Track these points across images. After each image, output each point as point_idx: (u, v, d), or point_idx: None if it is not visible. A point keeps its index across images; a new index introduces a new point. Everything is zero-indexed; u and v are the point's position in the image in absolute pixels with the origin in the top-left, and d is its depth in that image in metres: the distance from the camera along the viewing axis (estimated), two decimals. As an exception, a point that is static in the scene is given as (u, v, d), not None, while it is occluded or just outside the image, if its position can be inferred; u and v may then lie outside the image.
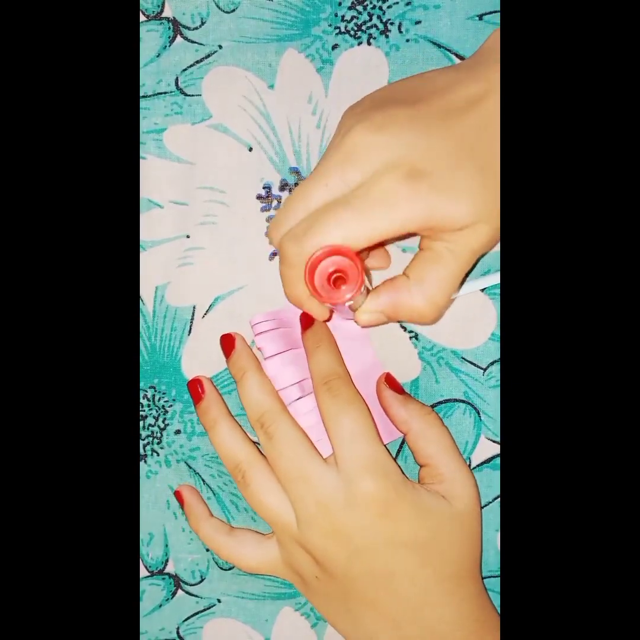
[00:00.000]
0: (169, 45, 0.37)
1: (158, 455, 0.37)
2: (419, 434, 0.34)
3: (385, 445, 0.33)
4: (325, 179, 0.30)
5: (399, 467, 0.33)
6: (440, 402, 0.36)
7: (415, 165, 0.28)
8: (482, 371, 0.36)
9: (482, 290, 0.36)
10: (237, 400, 0.37)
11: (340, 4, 0.36)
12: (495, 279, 0.35)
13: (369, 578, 0.33)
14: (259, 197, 0.36)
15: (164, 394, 0.37)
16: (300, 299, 0.32)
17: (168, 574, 0.38)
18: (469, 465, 0.36)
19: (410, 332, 0.36)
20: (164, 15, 0.37)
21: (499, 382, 0.36)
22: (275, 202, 0.36)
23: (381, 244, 0.35)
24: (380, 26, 0.36)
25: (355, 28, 0.36)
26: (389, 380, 0.35)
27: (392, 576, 0.32)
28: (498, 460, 0.36)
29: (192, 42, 0.37)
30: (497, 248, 0.35)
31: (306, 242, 0.29)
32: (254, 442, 0.35)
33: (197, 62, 0.37)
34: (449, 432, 0.35)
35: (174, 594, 0.38)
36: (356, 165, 0.29)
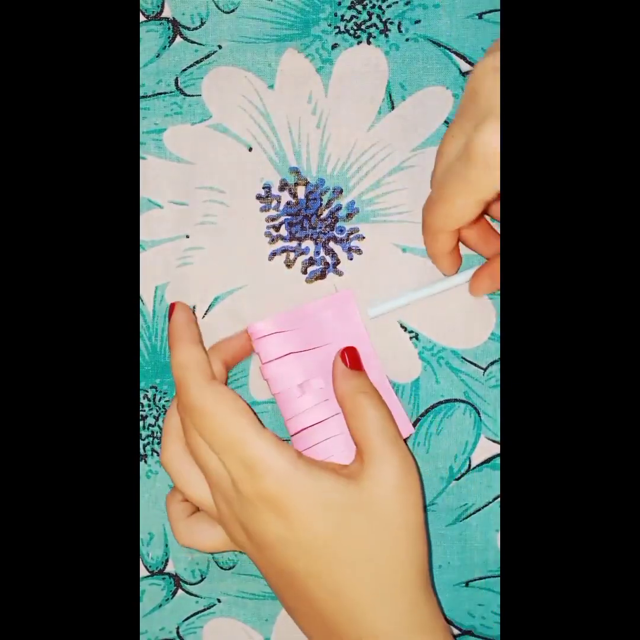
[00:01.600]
0: (169, 46, 0.37)
1: (158, 455, 0.37)
2: (351, 412, 0.33)
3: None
4: (451, 132, 0.31)
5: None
6: (440, 402, 0.36)
7: None
8: (482, 371, 0.36)
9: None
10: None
11: (339, 3, 0.36)
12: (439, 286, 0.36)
13: (288, 577, 0.31)
14: (259, 197, 0.36)
15: (164, 393, 0.37)
16: (441, 230, 0.33)
17: (168, 573, 0.38)
18: (469, 466, 0.36)
19: (411, 332, 0.36)
20: (163, 15, 0.37)
21: (499, 382, 0.36)
22: (274, 202, 0.36)
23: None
24: (380, 25, 0.36)
25: (355, 27, 0.36)
26: (349, 353, 0.35)
27: (305, 579, 0.31)
28: (498, 460, 0.36)
29: (192, 42, 0.37)
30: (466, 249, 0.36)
31: (427, 210, 0.32)
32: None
33: (197, 62, 0.37)
34: (387, 413, 0.33)
35: (174, 593, 0.38)
36: (472, 107, 0.29)
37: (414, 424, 0.36)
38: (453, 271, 0.35)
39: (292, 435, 0.34)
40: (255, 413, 0.33)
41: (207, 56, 0.37)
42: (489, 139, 0.27)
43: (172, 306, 0.35)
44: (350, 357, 0.34)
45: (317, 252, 0.36)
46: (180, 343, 0.33)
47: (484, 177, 0.28)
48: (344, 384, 0.34)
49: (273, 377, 0.34)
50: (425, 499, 0.36)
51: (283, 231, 0.36)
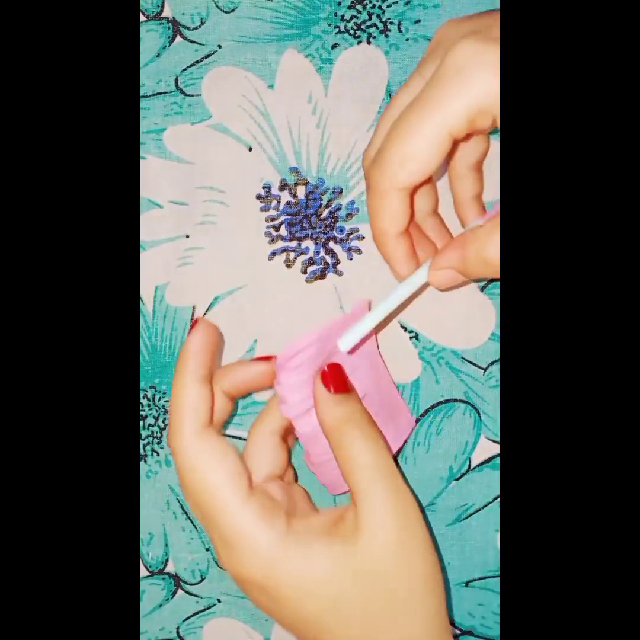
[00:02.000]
0: (169, 45, 0.37)
1: (158, 455, 0.37)
2: (337, 445, 0.29)
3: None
4: (406, 83, 0.28)
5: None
6: (440, 402, 0.36)
7: (491, 33, 0.26)
8: (482, 371, 0.36)
9: (482, 288, 0.36)
10: (237, 401, 0.37)
11: (339, 3, 0.36)
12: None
13: (300, 627, 0.29)
14: (259, 197, 0.36)
15: (164, 393, 0.37)
16: (385, 234, 0.30)
17: (168, 573, 0.38)
18: (469, 466, 0.36)
19: (411, 332, 0.36)
20: (163, 15, 0.37)
21: (499, 382, 0.36)
22: (274, 202, 0.36)
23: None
24: (380, 25, 0.36)
25: (355, 27, 0.36)
26: (332, 374, 0.30)
27: (318, 634, 0.29)
28: (498, 460, 0.36)
29: (192, 42, 0.37)
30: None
31: (384, 161, 0.27)
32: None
33: (197, 62, 0.37)
34: (376, 441, 0.29)
35: (174, 593, 0.38)
36: (433, 55, 0.28)
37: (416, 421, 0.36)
38: (408, 267, 0.31)
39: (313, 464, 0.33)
40: (248, 471, 0.30)
41: (207, 56, 0.37)
42: (461, 51, 0.26)
43: (192, 324, 0.31)
44: (334, 379, 0.30)
45: (317, 252, 0.36)
46: (182, 377, 0.30)
47: (457, 92, 0.26)
48: (328, 414, 0.29)
49: (300, 416, 0.31)
50: (427, 517, 0.36)
51: (283, 231, 0.36)
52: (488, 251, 0.28)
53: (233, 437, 0.37)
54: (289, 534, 0.28)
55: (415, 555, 0.28)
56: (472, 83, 0.26)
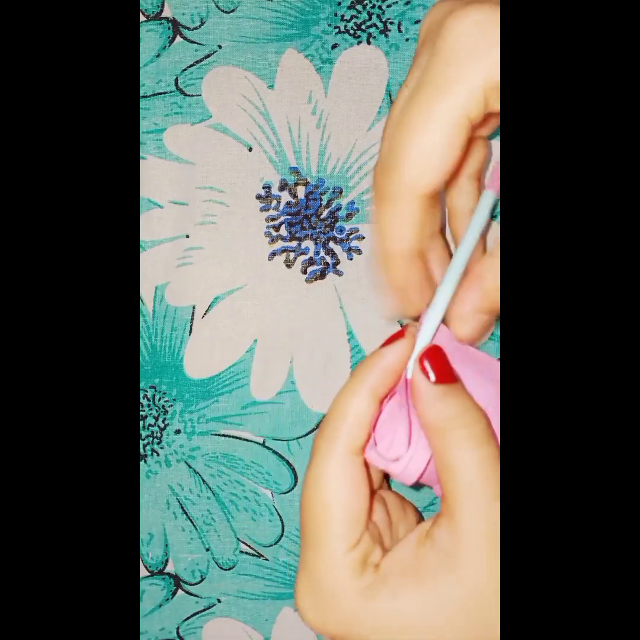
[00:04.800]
0: (169, 45, 0.37)
1: (158, 455, 0.37)
2: (440, 451, 0.25)
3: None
4: (405, 82, 0.24)
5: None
6: (440, 402, 0.36)
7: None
8: (482, 371, 0.36)
9: None
10: (237, 401, 0.37)
11: (339, 3, 0.36)
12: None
13: None
14: (259, 197, 0.36)
15: (164, 394, 0.37)
16: (399, 254, 0.25)
17: (168, 573, 0.38)
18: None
19: (410, 331, 0.36)
20: (163, 15, 0.37)
21: (499, 382, 0.36)
22: (274, 202, 0.36)
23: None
24: (380, 25, 0.36)
25: (355, 27, 0.36)
26: (432, 358, 0.25)
27: None
28: (498, 460, 0.36)
29: (192, 42, 0.37)
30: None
31: (394, 163, 0.23)
32: None
33: (197, 62, 0.37)
34: (488, 455, 0.25)
35: (174, 593, 0.38)
36: (426, 43, 0.23)
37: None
38: (424, 295, 0.27)
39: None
40: (371, 504, 0.27)
41: (207, 56, 0.37)
42: (461, 22, 0.22)
43: (395, 335, 0.26)
44: (434, 365, 0.25)
45: (317, 252, 0.36)
46: (360, 387, 0.26)
47: (468, 66, 0.22)
48: (429, 410, 0.25)
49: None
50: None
51: (283, 231, 0.36)
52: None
53: (233, 437, 0.37)
54: (375, 582, 0.25)
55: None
56: (483, 53, 0.22)
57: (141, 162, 0.37)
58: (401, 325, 0.36)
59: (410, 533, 0.27)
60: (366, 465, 0.27)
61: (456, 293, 0.27)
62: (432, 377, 0.25)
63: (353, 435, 0.26)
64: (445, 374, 0.25)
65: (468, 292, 0.26)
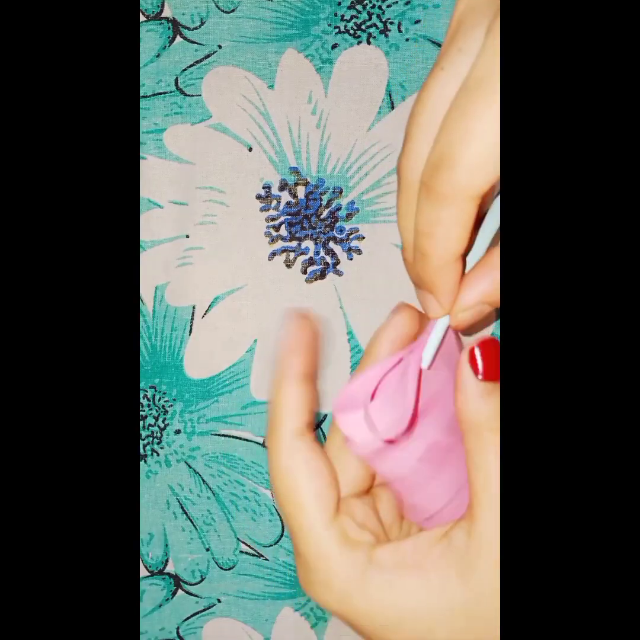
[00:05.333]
0: (169, 45, 0.37)
1: (158, 455, 0.37)
2: (472, 452, 0.25)
3: None
4: (440, 64, 0.22)
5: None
6: (440, 402, 0.36)
7: None
8: (482, 371, 0.36)
9: None
10: (237, 401, 0.37)
11: (339, 3, 0.36)
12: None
13: None
14: (259, 197, 0.36)
15: (164, 394, 0.37)
16: (450, 258, 0.23)
17: (168, 573, 0.38)
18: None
19: (410, 331, 0.36)
20: (163, 15, 0.37)
21: (499, 382, 0.36)
22: (274, 202, 0.36)
23: None
24: (380, 25, 0.36)
25: (355, 27, 0.36)
26: (485, 353, 0.24)
27: None
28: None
29: (192, 42, 0.37)
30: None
31: (452, 161, 0.22)
32: None
33: (197, 62, 0.37)
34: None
35: (174, 593, 0.38)
36: (467, 23, 0.22)
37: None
38: (450, 305, 0.26)
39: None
40: (336, 481, 0.27)
41: (207, 56, 0.37)
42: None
43: (299, 317, 0.28)
44: (486, 362, 0.24)
45: (317, 252, 0.36)
46: (282, 374, 0.27)
47: None
48: (471, 407, 0.24)
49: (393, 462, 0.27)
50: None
51: (283, 231, 0.36)
52: None
53: (233, 437, 0.37)
54: (371, 565, 0.25)
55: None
56: None
57: (141, 162, 0.37)
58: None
59: (426, 531, 0.26)
60: (318, 443, 0.27)
61: (463, 280, 0.26)
62: (480, 370, 0.24)
63: (296, 417, 0.26)
64: (493, 371, 0.24)
65: (477, 281, 0.26)
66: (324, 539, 0.26)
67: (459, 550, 0.24)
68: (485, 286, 0.25)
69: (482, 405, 0.24)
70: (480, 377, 0.24)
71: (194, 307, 0.37)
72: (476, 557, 0.24)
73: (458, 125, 0.22)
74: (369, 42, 0.36)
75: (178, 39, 0.37)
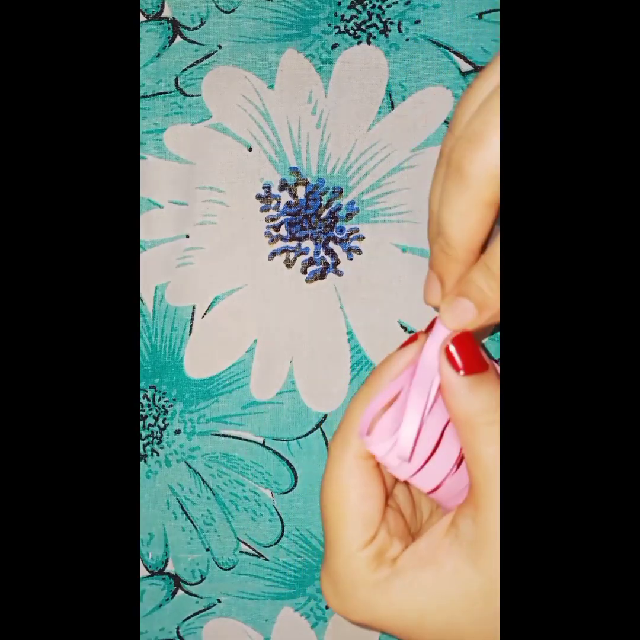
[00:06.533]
0: (169, 45, 0.37)
1: (158, 455, 0.37)
2: (469, 446, 0.25)
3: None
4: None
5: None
6: (440, 402, 0.36)
7: None
8: (482, 371, 0.36)
9: None
10: (237, 401, 0.37)
11: (339, 3, 0.36)
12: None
13: None
14: (259, 197, 0.37)
15: (164, 394, 0.37)
16: (477, 246, 0.23)
17: (168, 573, 0.38)
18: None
19: (411, 332, 0.36)
20: (163, 15, 0.37)
21: (499, 382, 0.36)
22: (274, 202, 0.36)
23: None
24: (380, 25, 0.36)
25: (355, 27, 0.36)
26: (458, 344, 0.24)
27: None
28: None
29: (192, 42, 0.37)
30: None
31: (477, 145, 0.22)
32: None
33: (197, 62, 0.37)
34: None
35: (174, 593, 0.38)
36: None
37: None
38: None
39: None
40: (387, 499, 0.27)
41: (207, 56, 0.37)
42: None
43: (411, 338, 0.26)
44: (463, 355, 0.24)
45: (317, 252, 0.36)
46: (372, 387, 0.26)
47: None
48: (459, 404, 0.24)
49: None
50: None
51: (283, 231, 0.36)
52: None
53: (233, 437, 0.37)
54: (393, 574, 0.26)
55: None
56: None
57: (141, 162, 0.37)
58: (404, 328, 0.36)
59: (435, 525, 0.27)
60: (379, 466, 0.27)
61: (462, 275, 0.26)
62: (460, 365, 0.24)
63: (362, 442, 0.26)
64: (474, 363, 0.24)
65: (473, 272, 0.26)
66: (357, 559, 0.26)
67: (467, 537, 0.25)
68: (479, 274, 0.25)
69: (472, 398, 0.24)
70: (462, 372, 0.24)
71: (194, 307, 0.37)
72: (484, 542, 0.24)
73: (496, 106, 0.22)
74: (369, 42, 0.36)
75: (178, 39, 0.37)
